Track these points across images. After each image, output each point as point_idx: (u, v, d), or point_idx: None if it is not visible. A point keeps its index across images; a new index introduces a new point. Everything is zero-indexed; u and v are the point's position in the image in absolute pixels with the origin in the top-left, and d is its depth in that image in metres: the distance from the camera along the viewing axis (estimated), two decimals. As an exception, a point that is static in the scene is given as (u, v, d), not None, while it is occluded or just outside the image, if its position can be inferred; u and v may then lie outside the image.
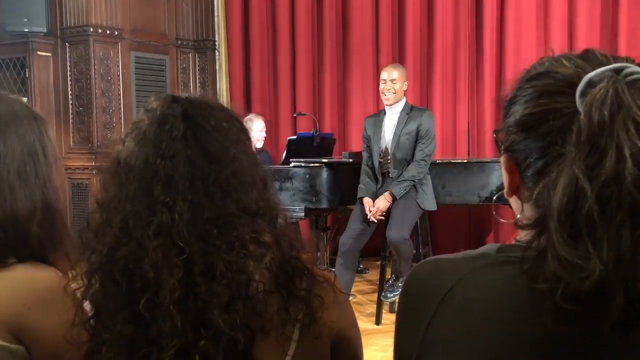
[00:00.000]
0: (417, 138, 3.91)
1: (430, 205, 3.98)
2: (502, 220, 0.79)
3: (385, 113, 4.06)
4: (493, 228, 5.36)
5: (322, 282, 0.93)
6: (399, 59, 5.42)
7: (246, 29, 5.91)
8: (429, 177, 3.99)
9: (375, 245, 4.61)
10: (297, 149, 4.63)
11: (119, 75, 5.17)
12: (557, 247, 0.60)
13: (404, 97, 4.05)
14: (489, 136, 5.28)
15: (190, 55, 5.87)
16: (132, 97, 5.28)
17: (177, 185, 0.85)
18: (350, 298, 4.31)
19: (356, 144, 5.24)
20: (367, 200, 3.90)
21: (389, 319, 3.95)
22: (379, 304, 3.95)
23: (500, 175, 4.08)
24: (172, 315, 0.82)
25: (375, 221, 3.86)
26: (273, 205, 0.93)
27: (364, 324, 3.88)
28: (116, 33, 5.14)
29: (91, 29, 4.97)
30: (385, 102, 3.96)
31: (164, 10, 5.59)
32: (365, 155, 4.09)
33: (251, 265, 0.85)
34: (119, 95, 5.18)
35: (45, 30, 4.98)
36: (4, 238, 1.02)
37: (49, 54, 5.07)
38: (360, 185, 4.01)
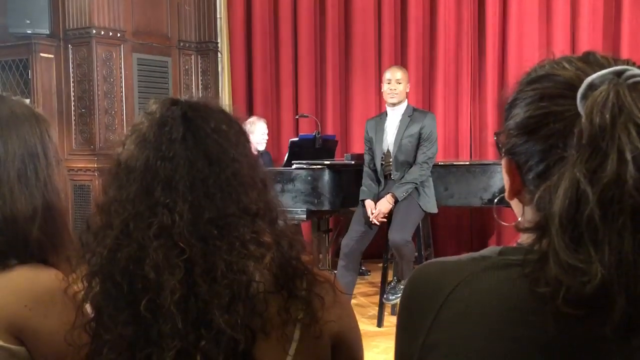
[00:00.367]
0: (419, 140, 3.91)
1: (432, 207, 3.97)
2: (504, 223, 0.79)
3: (387, 115, 4.06)
4: (495, 230, 5.36)
5: (322, 282, 0.93)
6: (401, 62, 5.42)
7: (248, 31, 5.92)
8: (431, 179, 3.99)
9: (377, 248, 4.60)
10: (299, 150, 4.63)
11: (121, 77, 5.18)
12: (559, 251, 0.60)
13: (406, 99, 4.05)
14: (491, 138, 5.26)
15: (193, 57, 5.88)
16: (135, 99, 5.28)
17: (177, 186, 0.86)
18: (353, 300, 4.31)
19: (358, 146, 5.24)
20: (369, 203, 3.90)
21: (391, 321, 3.95)
22: (381, 306, 3.94)
23: (502, 177, 4.07)
24: (173, 316, 0.82)
25: (378, 223, 3.85)
26: (273, 206, 0.94)
27: (366, 326, 3.87)
28: (119, 35, 5.16)
29: (94, 31, 4.99)
30: (390, 101, 3.95)
31: (166, 12, 5.60)
32: (367, 157, 4.09)
33: (251, 266, 0.85)
34: (122, 97, 5.19)
35: (47, 32, 5.00)
36: (4, 240, 1.02)
37: (52, 56, 5.08)
38: (363, 188, 4.01)
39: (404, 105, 4.01)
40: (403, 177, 3.90)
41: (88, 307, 0.91)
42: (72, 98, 5.10)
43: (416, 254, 3.94)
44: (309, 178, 4.08)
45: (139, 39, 5.35)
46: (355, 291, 4.28)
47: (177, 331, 0.82)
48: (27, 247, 1.03)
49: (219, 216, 0.86)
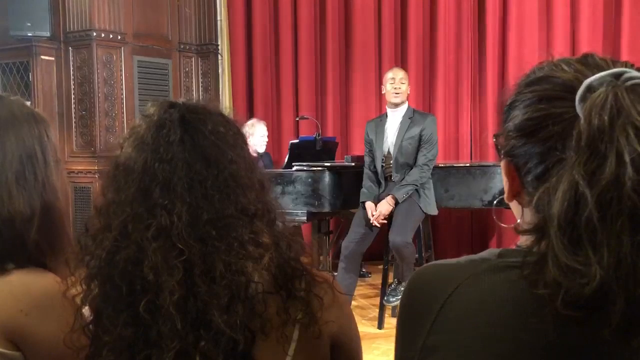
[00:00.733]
0: (419, 143, 3.92)
1: (433, 209, 3.97)
2: (503, 225, 0.79)
3: (387, 117, 4.06)
4: (496, 232, 5.36)
5: (321, 282, 0.94)
6: (402, 64, 5.43)
7: (249, 33, 5.92)
8: (431, 181, 3.99)
9: (378, 249, 4.60)
10: (300, 152, 4.63)
11: (121, 80, 5.18)
12: (558, 253, 0.60)
13: (407, 101, 4.06)
14: (491, 140, 5.26)
15: (193, 60, 5.89)
16: (135, 101, 5.29)
17: (175, 188, 0.86)
18: (353, 303, 4.30)
19: (359, 148, 5.24)
20: (369, 205, 3.90)
21: (391, 323, 3.94)
22: (381, 308, 3.94)
23: (502, 179, 4.08)
24: (173, 317, 0.82)
25: (378, 225, 3.85)
26: (271, 207, 0.94)
27: (366, 328, 3.87)
28: (119, 37, 5.16)
29: (94, 33, 4.99)
30: (394, 100, 3.95)
31: (166, 14, 5.61)
32: (367, 159, 4.09)
33: (250, 266, 0.86)
34: (122, 99, 5.20)
35: (48, 34, 5.00)
36: (1, 244, 1.01)
37: (52, 58, 5.09)
38: (363, 190, 4.01)
39: (405, 107, 4.01)
40: (403, 179, 3.90)
41: (86, 310, 0.91)
42: (73, 100, 5.10)
43: (416, 255, 3.94)
44: (310, 180, 4.08)
45: (139, 41, 5.35)
46: (355, 293, 4.28)
47: (176, 332, 0.82)
48: (25, 251, 1.03)
49: (217, 217, 0.86)
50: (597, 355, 0.63)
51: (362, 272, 4.96)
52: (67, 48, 5.09)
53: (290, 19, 5.83)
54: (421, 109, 5.02)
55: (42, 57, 5.02)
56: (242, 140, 0.95)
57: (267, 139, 5.11)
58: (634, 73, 0.63)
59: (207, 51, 5.92)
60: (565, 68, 0.69)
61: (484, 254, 0.74)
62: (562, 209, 0.60)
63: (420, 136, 3.91)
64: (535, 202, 0.66)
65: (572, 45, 5.06)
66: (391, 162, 3.98)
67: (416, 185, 3.86)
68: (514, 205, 0.76)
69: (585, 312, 0.60)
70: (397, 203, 3.84)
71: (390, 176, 3.99)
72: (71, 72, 5.09)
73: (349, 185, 4.19)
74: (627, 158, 0.58)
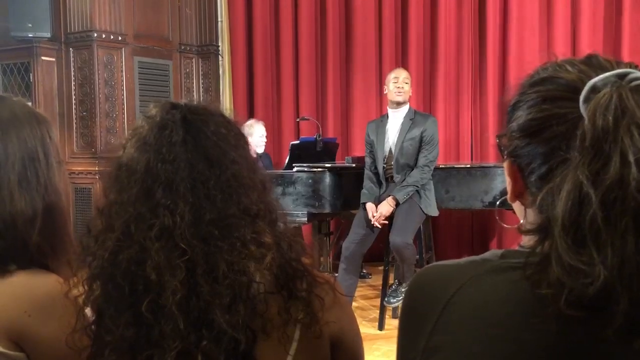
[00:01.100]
0: (420, 144, 3.92)
1: (433, 210, 3.97)
2: (505, 226, 0.79)
3: (388, 117, 4.07)
4: (496, 233, 5.35)
5: (322, 283, 0.94)
6: (402, 64, 5.43)
7: (249, 34, 5.93)
8: (431, 182, 3.99)
9: (378, 250, 4.60)
10: (300, 153, 4.64)
11: (122, 81, 5.19)
12: (561, 253, 0.60)
13: (409, 103, 4.06)
14: (492, 141, 5.27)
15: (194, 61, 5.89)
16: (136, 102, 5.29)
17: (178, 188, 0.86)
18: (353, 303, 4.30)
19: (359, 149, 5.24)
20: (370, 206, 3.90)
21: (392, 324, 3.94)
22: (382, 309, 3.94)
23: (503, 180, 4.07)
24: (175, 317, 0.82)
25: (379, 226, 3.85)
26: (273, 208, 0.94)
27: (367, 329, 3.87)
28: (120, 38, 5.17)
29: (95, 34, 5.00)
30: (397, 99, 3.96)
31: (167, 15, 5.62)
32: (368, 160, 4.09)
33: (252, 266, 0.86)
34: (123, 100, 5.20)
35: (49, 35, 5.01)
36: (4, 245, 1.01)
37: (53, 59, 5.09)
38: (364, 191, 4.01)
39: (406, 107, 4.02)
40: (404, 179, 3.91)
41: (88, 311, 0.91)
42: (74, 101, 5.11)
43: (417, 256, 3.94)
44: (310, 181, 4.08)
45: (140, 42, 5.36)
46: (356, 294, 4.28)
47: (178, 332, 0.82)
48: (27, 252, 1.02)
49: (219, 217, 0.86)
50: (599, 356, 0.63)
51: (362, 273, 4.96)
52: (67, 49, 5.10)
53: (291, 20, 5.83)
54: (421, 110, 5.02)
55: (43, 57, 5.03)
56: (243, 141, 0.96)
57: (265, 139, 5.12)
58: (638, 74, 0.63)
59: (208, 52, 5.92)
60: (569, 69, 0.69)
61: (486, 255, 0.74)
62: (566, 208, 0.60)
63: (422, 137, 3.92)
64: (538, 202, 0.66)
65: (573, 46, 5.06)
66: (392, 162, 3.98)
67: (417, 186, 3.86)
68: (517, 206, 0.76)
69: (589, 312, 0.60)
70: (397, 204, 3.84)
71: (392, 177, 3.99)
72: (72, 73, 5.09)
73: (349, 186, 4.19)
74: (631, 158, 0.58)
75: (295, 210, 4.03)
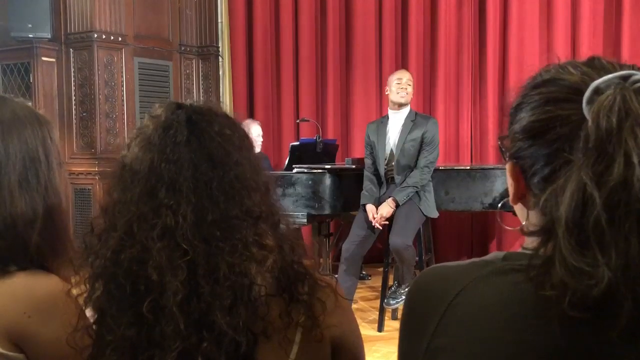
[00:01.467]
0: (421, 145, 3.92)
1: (433, 212, 3.98)
2: (508, 228, 0.79)
3: (388, 119, 4.07)
4: (496, 234, 5.35)
5: (324, 286, 0.94)
6: (402, 66, 5.43)
7: (250, 35, 5.93)
8: (431, 184, 3.99)
9: (378, 252, 4.60)
10: (300, 155, 4.64)
11: (122, 81, 5.19)
12: (565, 254, 0.60)
13: (409, 104, 4.07)
14: (492, 143, 5.28)
15: (194, 62, 5.89)
16: (136, 103, 5.29)
17: (181, 188, 0.86)
18: (353, 305, 4.30)
19: (359, 150, 5.24)
20: (370, 207, 3.90)
21: (392, 325, 3.94)
22: (382, 311, 3.94)
23: (503, 182, 4.08)
24: (176, 317, 0.82)
25: (380, 228, 3.85)
26: (275, 210, 0.94)
27: (367, 330, 3.86)
28: (120, 39, 5.17)
29: (95, 35, 5.00)
30: (399, 100, 3.96)
31: (167, 16, 5.62)
32: (368, 161, 4.09)
33: (253, 268, 0.86)
34: (123, 101, 5.20)
35: (49, 36, 5.01)
36: (4, 246, 1.01)
37: (53, 60, 5.09)
38: (364, 192, 4.01)
39: (407, 109, 4.03)
40: (404, 180, 3.91)
41: (88, 312, 0.91)
42: (74, 102, 5.11)
43: (417, 258, 3.94)
44: (310, 182, 4.08)
45: (140, 43, 5.36)
46: (355, 296, 4.28)
47: (179, 332, 0.82)
48: (27, 253, 1.02)
49: (222, 218, 0.86)
50: (603, 358, 0.63)
51: (362, 275, 4.96)
52: (68, 49, 5.10)
53: (291, 21, 5.83)
54: (421, 111, 5.02)
55: (43, 58, 5.02)
56: (248, 142, 0.95)
57: (262, 139, 5.12)
58: (641, 75, 0.63)
59: (208, 53, 5.92)
60: (572, 70, 0.69)
61: (488, 257, 0.74)
62: (569, 210, 0.60)
63: (423, 138, 3.92)
64: (542, 203, 0.66)
65: (573, 49, 5.06)
66: (393, 163, 3.98)
67: (417, 188, 3.87)
68: (519, 208, 0.76)
69: (592, 313, 0.60)
70: (397, 205, 3.84)
71: (393, 178, 3.99)
72: (72, 74, 5.09)
73: (349, 188, 4.20)
74: (635, 159, 0.58)
75: (295, 212, 4.02)
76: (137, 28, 5.34)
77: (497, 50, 5.30)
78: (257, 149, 5.02)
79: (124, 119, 5.20)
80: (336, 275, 3.88)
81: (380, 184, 4.04)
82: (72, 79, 5.09)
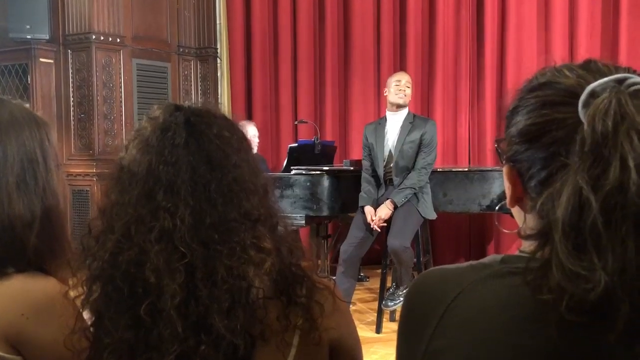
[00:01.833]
0: (419, 147, 3.93)
1: (431, 213, 3.98)
2: (505, 231, 0.79)
3: (386, 120, 4.07)
4: (494, 236, 5.36)
5: (322, 289, 0.93)
6: (400, 67, 5.44)
7: (248, 37, 5.93)
8: (428, 185, 3.99)
9: (376, 254, 4.60)
10: (299, 156, 4.63)
11: (120, 83, 5.18)
12: (562, 258, 0.60)
13: (408, 106, 4.08)
14: (489, 145, 5.28)
15: (192, 63, 5.89)
16: (134, 105, 5.29)
17: (179, 190, 0.86)
18: (351, 307, 4.30)
19: (357, 152, 5.25)
20: (368, 209, 3.90)
21: (390, 327, 3.94)
22: (380, 313, 3.94)
23: (500, 184, 4.08)
24: (173, 320, 0.82)
25: (378, 229, 3.85)
26: (274, 212, 0.94)
27: (365, 332, 3.86)
28: (118, 40, 5.16)
29: (93, 36, 4.99)
30: (398, 102, 3.96)
31: (166, 17, 5.62)
32: (365, 163, 4.09)
33: (251, 271, 0.85)
34: (121, 102, 5.19)
35: (47, 37, 5.00)
36: (1, 248, 1.01)
37: (51, 61, 5.09)
38: (362, 194, 4.01)
39: (405, 111, 4.03)
40: (402, 182, 3.91)
41: (85, 314, 0.91)
42: (72, 103, 5.10)
43: (415, 260, 3.94)
44: (308, 184, 4.08)
45: (138, 45, 5.35)
46: (353, 297, 4.27)
47: (177, 335, 0.82)
48: (25, 255, 1.02)
49: (220, 221, 0.86)
50: (600, 361, 0.63)
51: (360, 277, 4.96)
52: (66, 51, 5.09)
53: (290, 23, 5.84)
54: (419, 113, 5.02)
55: (41, 59, 5.02)
56: (246, 144, 0.95)
57: (258, 139, 5.11)
58: (637, 79, 0.63)
59: (206, 55, 5.92)
60: (568, 74, 0.69)
61: (486, 260, 0.74)
62: (566, 213, 0.60)
63: (421, 140, 3.93)
64: (538, 207, 0.66)
65: (571, 51, 5.07)
66: (391, 165, 3.98)
67: (414, 189, 3.87)
68: (516, 211, 0.76)
69: (590, 317, 0.60)
70: (395, 207, 3.84)
71: (391, 179, 3.99)
72: (70, 75, 5.09)
73: (347, 189, 4.19)
74: (631, 163, 0.58)
75: (293, 213, 4.02)
76: (135, 29, 5.34)
77: (494, 52, 5.31)
78: (254, 150, 5.01)
79: (122, 121, 5.20)
80: (334, 277, 3.88)
81: (378, 185, 4.04)
82: (70, 80, 5.09)
